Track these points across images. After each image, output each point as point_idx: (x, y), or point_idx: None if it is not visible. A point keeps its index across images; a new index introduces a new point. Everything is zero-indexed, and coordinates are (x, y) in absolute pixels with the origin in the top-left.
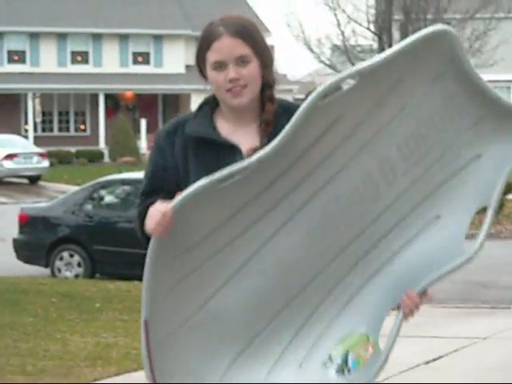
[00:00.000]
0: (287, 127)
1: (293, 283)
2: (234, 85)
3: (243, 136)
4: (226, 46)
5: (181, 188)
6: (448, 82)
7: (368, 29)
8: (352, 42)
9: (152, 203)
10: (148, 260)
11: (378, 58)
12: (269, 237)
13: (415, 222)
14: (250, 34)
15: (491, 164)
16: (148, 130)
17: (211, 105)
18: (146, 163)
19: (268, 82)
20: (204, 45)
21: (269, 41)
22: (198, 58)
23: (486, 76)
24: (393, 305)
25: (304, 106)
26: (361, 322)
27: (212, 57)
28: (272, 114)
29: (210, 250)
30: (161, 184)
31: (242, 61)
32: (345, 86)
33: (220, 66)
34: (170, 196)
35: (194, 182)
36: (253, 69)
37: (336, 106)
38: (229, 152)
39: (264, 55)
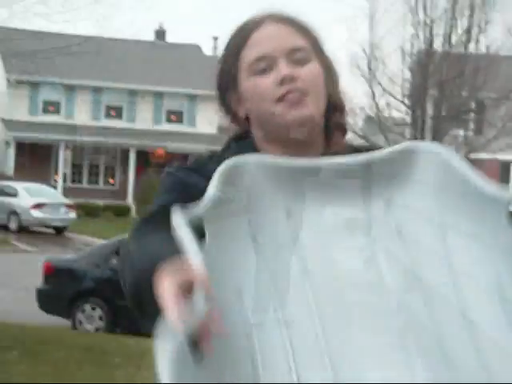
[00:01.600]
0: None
1: None
2: (289, 87)
3: None
4: (272, 35)
5: None
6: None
7: (402, 102)
8: (385, 115)
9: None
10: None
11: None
12: None
13: None
14: (306, 25)
15: None
16: None
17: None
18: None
19: (335, 104)
20: (235, 46)
21: None
22: (224, 74)
23: None
24: None
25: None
26: None
27: (251, 54)
28: (343, 148)
29: None
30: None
31: (297, 58)
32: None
33: (264, 68)
34: None
35: None
36: (315, 69)
37: None
38: None
39: (327, 61)
